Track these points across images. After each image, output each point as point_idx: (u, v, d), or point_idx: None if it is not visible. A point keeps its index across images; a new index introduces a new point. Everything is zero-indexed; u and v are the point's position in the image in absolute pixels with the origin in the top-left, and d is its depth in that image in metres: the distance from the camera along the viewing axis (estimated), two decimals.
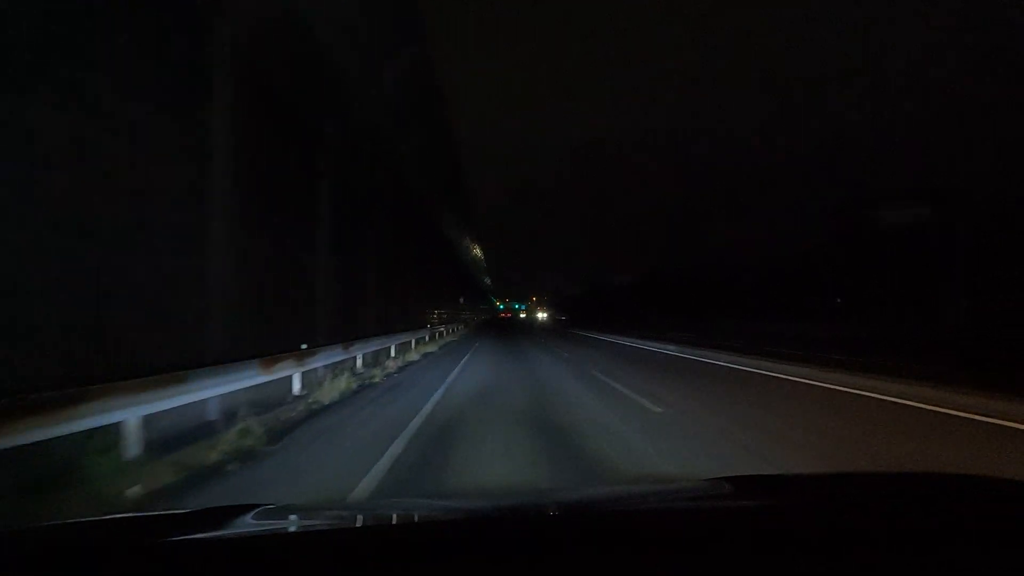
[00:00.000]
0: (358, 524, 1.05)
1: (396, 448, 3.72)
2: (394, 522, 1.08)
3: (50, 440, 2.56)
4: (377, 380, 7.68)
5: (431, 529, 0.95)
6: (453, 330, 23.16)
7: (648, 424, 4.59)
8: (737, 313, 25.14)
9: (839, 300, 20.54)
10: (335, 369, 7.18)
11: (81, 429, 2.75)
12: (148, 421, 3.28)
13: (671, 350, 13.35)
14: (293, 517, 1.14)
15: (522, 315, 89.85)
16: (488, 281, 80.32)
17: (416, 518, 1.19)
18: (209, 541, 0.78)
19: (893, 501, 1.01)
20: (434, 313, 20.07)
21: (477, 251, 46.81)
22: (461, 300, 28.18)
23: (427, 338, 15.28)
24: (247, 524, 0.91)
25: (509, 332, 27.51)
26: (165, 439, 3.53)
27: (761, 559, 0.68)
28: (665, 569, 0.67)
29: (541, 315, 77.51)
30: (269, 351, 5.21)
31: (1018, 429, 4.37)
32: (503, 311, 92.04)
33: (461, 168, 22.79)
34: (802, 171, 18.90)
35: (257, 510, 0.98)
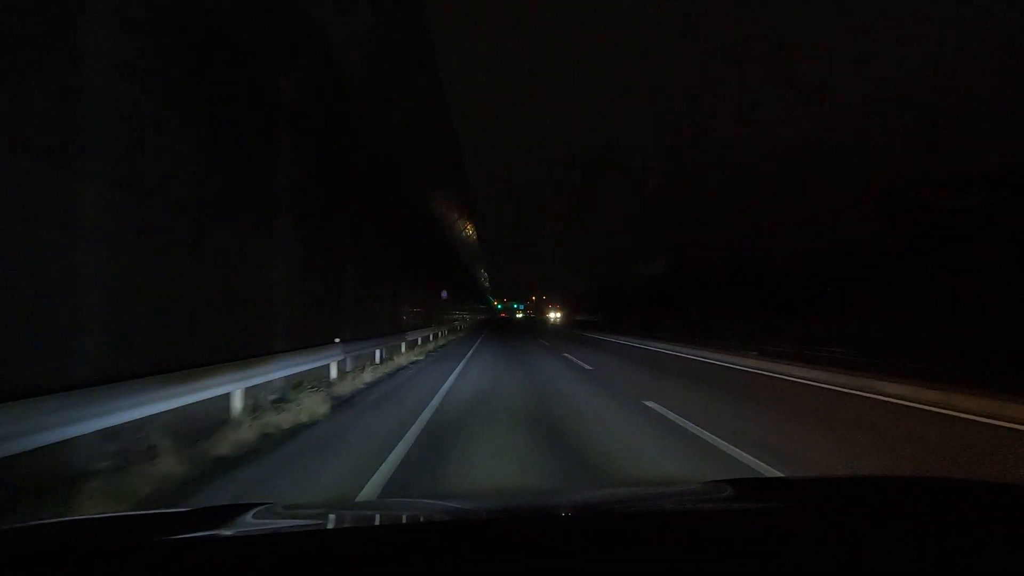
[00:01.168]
0: (358, 524, 1.03)
1: None
2: (393, 522, 1.06)
3: None
4: None
5: (431, 529, 0.91)
6: (431, 337, 15.55)
7: None
8: (807, 311, 19.78)
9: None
10: None
11: None
12: None
13: None
14: (294, 516, 1.09)
15: (519, 315, 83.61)
16: (487, 283, 73.99)
17: (416, 518, 1.12)
18: (209, 540, 0.77)
19: (894, 505, 0.98)
20: (387, 320, 12.27)
21: (475, 241, 40.33)
22: (444, 295, 20.52)
23: (348, 364, 7.55)
24: (247, 523, 0.89)
25: (515, 340, 19.05)
26: None
27: (762, 561, 0.66)
28: (667, 571, 0.65)
29: (554, 315, 67.47)
30: None
31: None
32: (501, 311, 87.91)
33: (462, 168, 20.20)
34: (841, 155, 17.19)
35: (257, 509, 0.96)
